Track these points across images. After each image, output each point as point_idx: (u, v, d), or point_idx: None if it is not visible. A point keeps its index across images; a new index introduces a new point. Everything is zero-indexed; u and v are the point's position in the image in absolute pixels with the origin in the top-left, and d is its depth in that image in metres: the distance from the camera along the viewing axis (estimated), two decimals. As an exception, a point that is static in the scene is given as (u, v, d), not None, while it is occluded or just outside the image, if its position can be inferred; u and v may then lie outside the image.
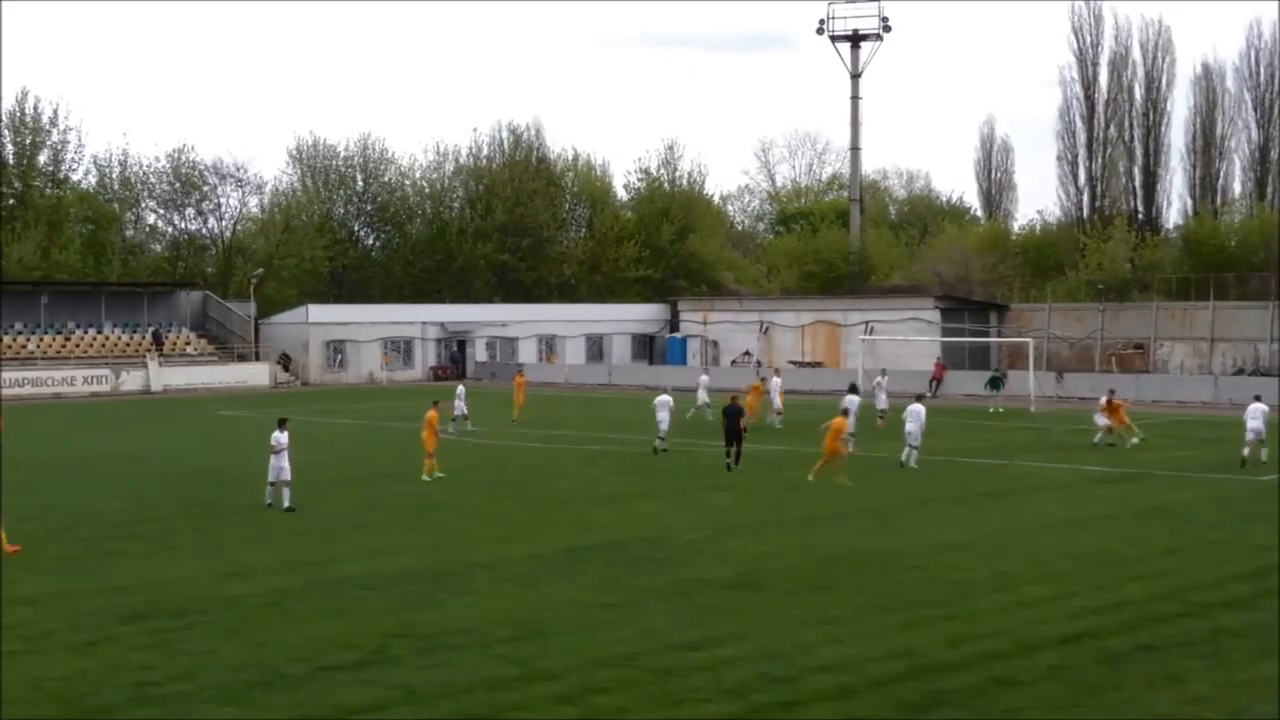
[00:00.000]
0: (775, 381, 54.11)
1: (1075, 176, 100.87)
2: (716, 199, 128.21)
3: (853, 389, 44.92)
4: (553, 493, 33.98)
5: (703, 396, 53.42)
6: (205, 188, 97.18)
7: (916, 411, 38.31)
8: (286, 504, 30.18)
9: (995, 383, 61.18)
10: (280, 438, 30.58)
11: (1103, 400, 44.71)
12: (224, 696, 16.00)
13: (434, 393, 51.47)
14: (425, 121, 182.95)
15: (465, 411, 51.01)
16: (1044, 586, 21.87)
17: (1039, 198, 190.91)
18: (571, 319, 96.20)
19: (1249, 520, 28.77)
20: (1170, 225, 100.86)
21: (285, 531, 27.91)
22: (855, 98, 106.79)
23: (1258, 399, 41.26)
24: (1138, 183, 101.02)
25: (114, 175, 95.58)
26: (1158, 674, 16.70)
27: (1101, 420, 43.78)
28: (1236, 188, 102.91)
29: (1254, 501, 31.85)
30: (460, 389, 52.71)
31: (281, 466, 30.43)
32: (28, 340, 78.15)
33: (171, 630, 19.23)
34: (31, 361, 75.65)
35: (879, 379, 54.02)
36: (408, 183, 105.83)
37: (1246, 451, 38.47)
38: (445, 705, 15.58)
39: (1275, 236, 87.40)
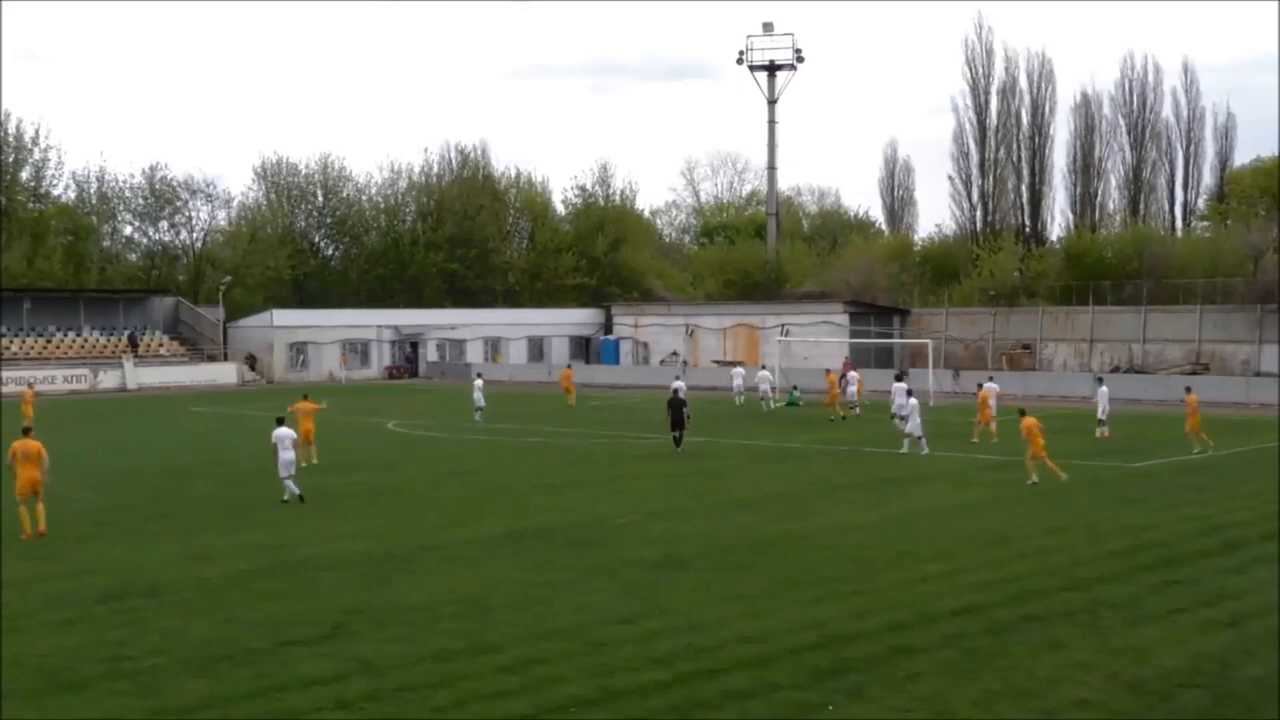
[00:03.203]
0: (764, 373, 57.99)
1: (969, 194, 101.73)
2: (646, 213, 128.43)
3: (899, 378, 45.96)
4: (495, 481, 33.84)
5: (739, 385, 58.78)
6: (178, 202, 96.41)
7: (913, 405, 38.60)
8: (296, 491, 29.28)
9: (793, 401, 58.98)
10: (283, 434, 29.43)
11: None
12: (193, 669, 15.83)
13: (390, 390, 51.22)
14: (380, 142, 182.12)
15: (483, 404, 50.90)
16: (939, 564, 22.01)
17: (937, 212, 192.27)
18: (515, 322, 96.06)
19: (1120, 503, 29.11)
20: (1054, 238, 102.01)
21: (247, 517, 27.64)
22: (772, 122, 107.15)
23: (1100, 381, 43.25)
24: (1024, 199, 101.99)
25: (92, 190, 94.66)
26: (1041, 642, 16.85)
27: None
28: (1112, 204, 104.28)
29: (1123, 486, 32.22)
30: (478, 381, 52.62)
31: (291, 459, 29.41)
32: (10, 342, 76.98)
33: (143, 609, 19.01)
34: (15, 362, 74.51)
35: (850, 374, 54.86)
36: (364, 198, 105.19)
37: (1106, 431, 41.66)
38: (398, 675, 15.49)
39: (1147, 248, 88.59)
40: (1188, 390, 41.36)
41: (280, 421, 30.28)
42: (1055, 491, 31.03)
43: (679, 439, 39.56)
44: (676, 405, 40.21)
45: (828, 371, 54.78)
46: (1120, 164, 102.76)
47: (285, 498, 29.37)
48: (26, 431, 26.77)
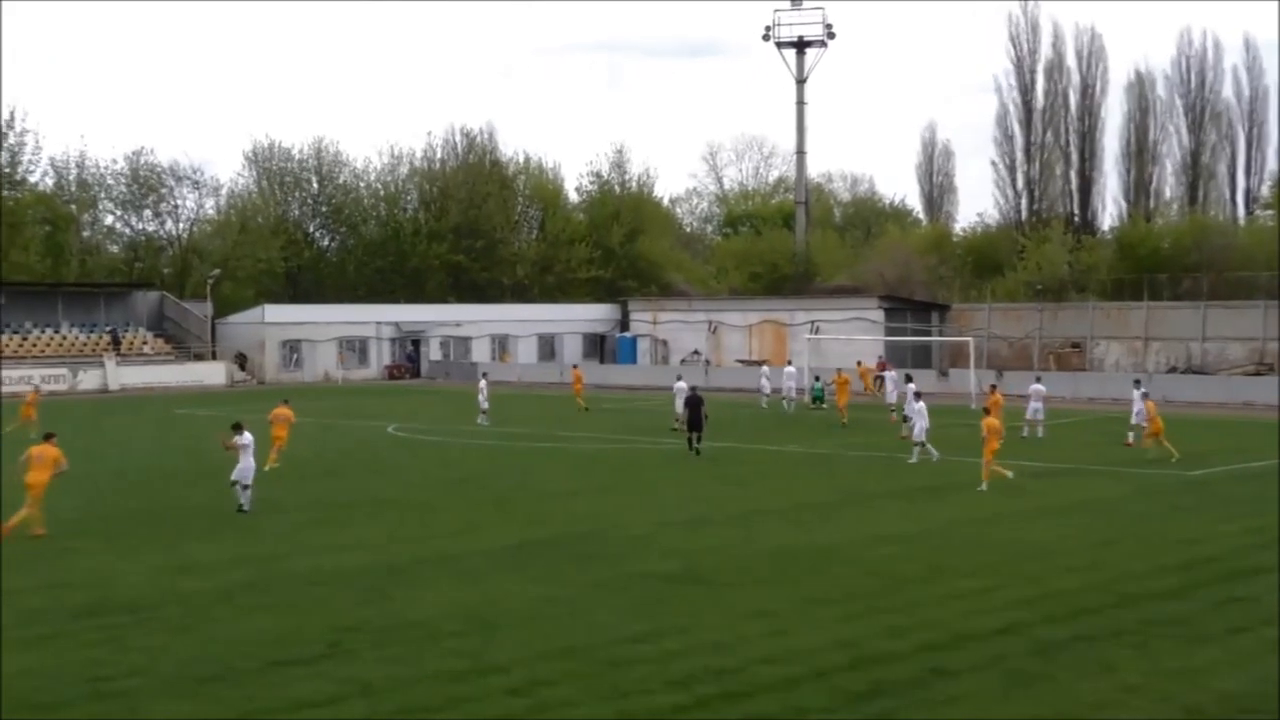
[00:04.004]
0: (790, 370, 60.27)
1: (1013, 180, 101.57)
2: (666, 201, 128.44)
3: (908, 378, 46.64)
4: (501, 489, 33.89)
5: (765, 386, 59.76)
6: (162, 189, 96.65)
7: (920, 409, 38.42)
8: (243, 502, 29.37)
9: (818, 395, 59.69)
10: (240, 440, 29.53)
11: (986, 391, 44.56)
12: (176, 691, 15.87)
13: (390, 392, 51.44)
14: (379, 125, 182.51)
15: (486, 405, 51.24)
16: (979, 579, 21.97)
17: (979, 200, 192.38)
18: (524, 319, 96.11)
19: (1175, 513, 29.06)
20: (1105, 227, 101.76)
21: (235, 527, 27.71)
22: (800, 103, 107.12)
23: (1138, 384, 42.69)
24: (1073, 186, 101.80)
25: (71, 177, 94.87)
26: (1089, 663, 16.82)
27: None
28: (1168, 191, 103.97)
29: (1179, 495, 32.14)
30: (482, 382, 52.98)
31: (249, 467, 29.41)
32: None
33: (123, 626, 19.07)
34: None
35: (888, 374, 55.33)
36: (362, 185, 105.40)
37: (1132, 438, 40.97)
38: (398, 698, 15.51)
39: (1207, 239, 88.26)
40: (1145, 396, 41.42)
41: (239, 427, 29.83)
42: (1104, 502, 30.98)
43: (696, 440, 39.91)
44: (695, 404, 40.57)
45: (838, 371, 54.62)
46: (1177, 148, 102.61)
47: (246, 507, 29.31)
48: (49, 437, 27.69)
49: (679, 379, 52.61)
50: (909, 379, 45.71)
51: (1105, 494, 32.24)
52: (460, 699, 15.49)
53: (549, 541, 25.86)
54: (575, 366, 66.52)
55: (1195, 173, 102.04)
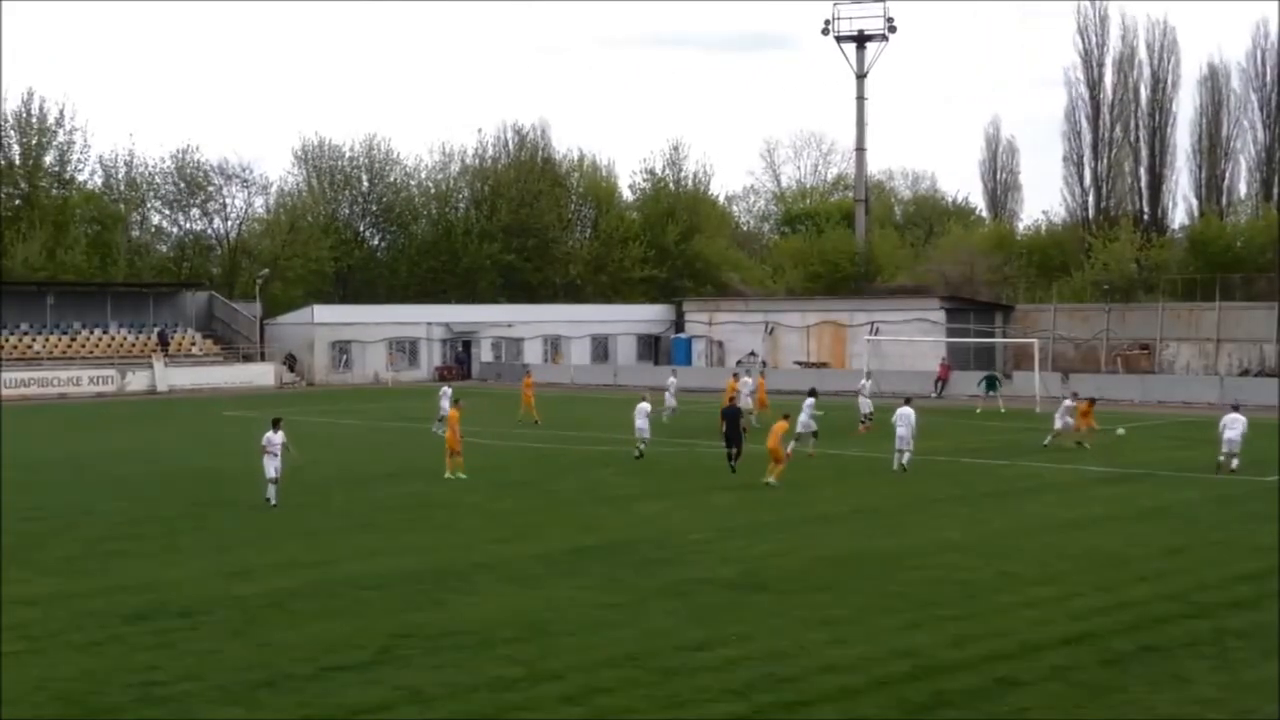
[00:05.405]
0: (745, 380, 55.30)
1: (1081, 177, 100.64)
2: (722, 199, 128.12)
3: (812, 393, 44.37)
4: (556, 493, 34.01)
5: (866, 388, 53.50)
6: (211, 188, 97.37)
7: (906, 415, 37.67)
8: (273, 500, 31.04)
9: (991, 383, 60.49)
10: (274, 438, 31.32)
11: (1069, 403, 44.26)
12: (229, 697, 16.05)
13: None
14: (430, 123, 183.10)
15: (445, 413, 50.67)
16: (1047, 587, 21.87)
17: (1044, 198, 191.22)
18: (577, 319, 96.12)
19: (1252, 521, 28.74)
20: (1176, 226, 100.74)
21: (287, 531, 27.96)
22: (861, 98, 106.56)
23: (1236, 409, 38.35)
24: (1143, 183, 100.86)
25: (120, 176, 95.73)
26: (1162, 675, 16.70)
27: (1063, 421, 43.64)
28: (1242, 188, 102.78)
29: (1256, 502, 31.77)
30: (445, 389, 52.46)
31: (276, 465, 31.19)
32: (33, 340, 78.22)
33: (176, 630, 19.29)
34: (37, 362, 75.70)
35: (864, 382, 53.92)
36: (413, 183, 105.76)
37: (1222, 459, 36.95)
38: (450, 706, 15.61)
39: (1279, 237, 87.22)
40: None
41: (277, 424, 31.73)
42: (1175, 508, 30.74)
43: (735, 456, 36.71)
44: (733, 417, 37.62)
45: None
46: (1251, 144, 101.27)
47: (273, 501, 31.00)
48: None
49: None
50: (908, 401, 42.26)
51: (1176, 500, 31.97)
52: (514, 707, 15.57)
53: (605, 546, 25.92)
54: (528, 373, 62.88)
55: (1269, 170, 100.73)
